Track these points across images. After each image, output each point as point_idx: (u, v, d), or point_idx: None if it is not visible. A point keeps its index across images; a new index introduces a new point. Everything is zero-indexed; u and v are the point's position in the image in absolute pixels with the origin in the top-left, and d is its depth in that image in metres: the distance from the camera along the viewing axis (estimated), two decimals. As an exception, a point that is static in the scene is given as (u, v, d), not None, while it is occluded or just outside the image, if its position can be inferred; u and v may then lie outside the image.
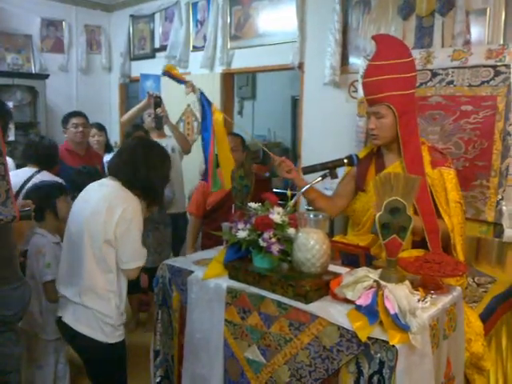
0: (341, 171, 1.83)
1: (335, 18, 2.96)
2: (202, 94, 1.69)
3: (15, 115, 3.86)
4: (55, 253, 1.88)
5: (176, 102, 3.68)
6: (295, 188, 1.82)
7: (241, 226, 1.38)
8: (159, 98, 2.93)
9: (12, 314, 1.40)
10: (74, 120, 2.81)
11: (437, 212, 1.66)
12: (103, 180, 1.64)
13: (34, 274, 1.91)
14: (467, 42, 2.46)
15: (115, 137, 4.72)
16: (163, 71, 1.76)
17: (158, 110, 2.89)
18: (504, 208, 2.14)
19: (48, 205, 1.94)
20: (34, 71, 4.43)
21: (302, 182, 1.76)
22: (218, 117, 1.66)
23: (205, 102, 1.68)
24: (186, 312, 1.50)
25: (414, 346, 1.09)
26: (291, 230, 1.35)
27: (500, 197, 2.16)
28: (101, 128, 3.40)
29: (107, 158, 3.31)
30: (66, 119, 2.87)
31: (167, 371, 1.64)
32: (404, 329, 1.08)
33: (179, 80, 1.74)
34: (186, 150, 3.10)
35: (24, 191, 2.09)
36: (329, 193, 2.01)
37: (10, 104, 3.84)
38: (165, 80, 4.27)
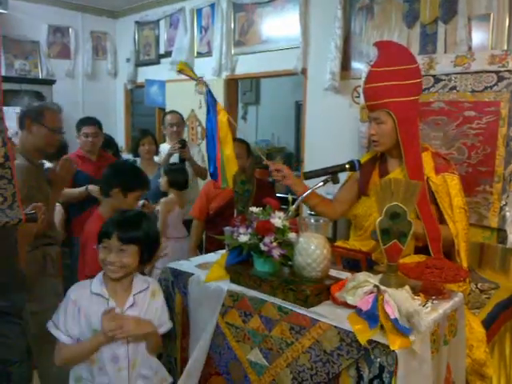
0: (342, 176, 1.84)
1: (337, 25, 2.98)
2: (209, 91, 1.75)
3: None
4: None
5: (180, 107, 3.71)
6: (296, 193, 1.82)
7: (242, 230, 1.39)
8: (184, 140, 3.11)
9: (9, 306, 1.44)
10: (85, 129, 2.80)
11: (441, 218, 1.66)
12: None
13: None
14: (470, 48, 2.47)
15: (120, 142, 4.76)
16: (178, 70, 1.83)
17: (182, 152, 3.06)
18: (508, 214, 2.13)
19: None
20: (41, 77, 4.49)
21: (301, 187, 1.74)
22: (223, 117, 1.72)
23: (210, 99, 1.74)
24: (189, 314, 1.51)
25: (413, 351, 1.09)
26: (292, 235, 1.35)
27: (504, 202, 2.16)
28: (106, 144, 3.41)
29: None
30: (78, 126, 2.88)
31: (170, 374, 1.64)
32: (404, 333, 1.09)
33: (191, 77, 1.82)
34: (203, 177, 3.24)
35: None
36: (331, 198, 2.01)
37: (18, 109, 3.89)
38: (169, 86, 4.31)
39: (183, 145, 3.05)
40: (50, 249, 2.03)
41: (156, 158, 3.29)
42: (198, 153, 3.27)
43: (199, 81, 1.75)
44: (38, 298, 1.89)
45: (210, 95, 1.74)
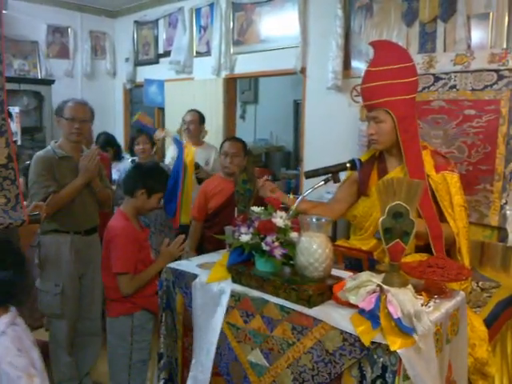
0: (343, 175, 1.83)
1: (337, 23, 2.98)
2: (175, 138, 1.91)
3: (22, 120, 3.91)
4: None
5: (179, 106, 3.70)
6: (298, 192, 1.82)
7: (244, 229, 1.38)
8: (197, 163, 3.00)
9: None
10: None
11: (441, 216, 1.66)
12: None
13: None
14: (469, 47, 2.47)
15: (120, 142, 4.75)
16: (135, 120, 1.96)
17: (197, 172, 2.98)
18: (508, 212, 2.13)
19: None
20: (40, 77, 4.48)
21: (288, 199, 1.73)
22: (189, 152, 1.84)
23: (178, 145, 1.89)
24: (192, 316, 1.50)
25: (417, 351, 1.08)
26: (294, 234, 1.35)
27: (504, 201, 2.16)
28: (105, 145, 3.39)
29: (119, 166, 3.33)
30: None
31: (171, 374, 1.64)
32: (408, 333, 1.08)
33: (150, 128, 1.95)
34: None
35: None
36: (331, 197, 2.01)
37: (17, 109, 3.89)
38: (168, 85, 4.30)
39: (196, 167, 2.97)
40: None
41: (167, 161, 3.28)
42: (204, 150, 3.27)
43: (160, 128, 1.87)
44: (52, 278, 2.11)
45: (175, 140, 1.86)
